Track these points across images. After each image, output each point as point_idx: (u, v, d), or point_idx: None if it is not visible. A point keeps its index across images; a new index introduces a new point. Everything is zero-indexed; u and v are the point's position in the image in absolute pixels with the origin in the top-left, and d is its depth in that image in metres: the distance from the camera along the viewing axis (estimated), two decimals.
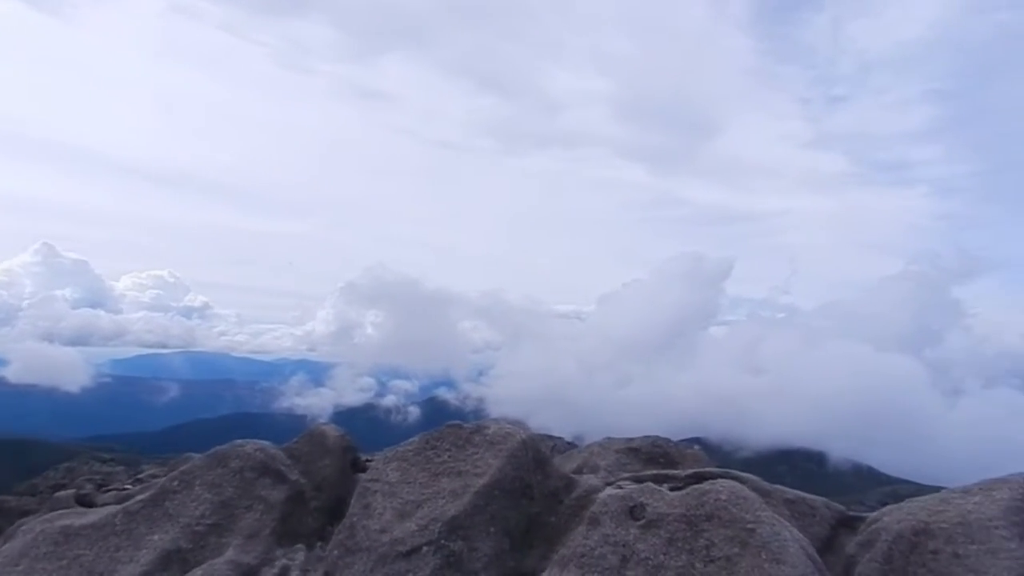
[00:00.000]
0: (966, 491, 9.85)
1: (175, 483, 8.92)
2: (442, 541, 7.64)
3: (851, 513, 10.82)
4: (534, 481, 8.93)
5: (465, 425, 9.18)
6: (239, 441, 9.30)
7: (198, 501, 8.64)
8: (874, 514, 10.52)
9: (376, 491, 8.17)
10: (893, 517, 9.98)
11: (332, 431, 10.54)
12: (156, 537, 8.26)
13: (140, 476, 14.95)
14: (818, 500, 10.96)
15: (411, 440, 8.94)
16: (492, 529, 8.05)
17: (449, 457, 8.96)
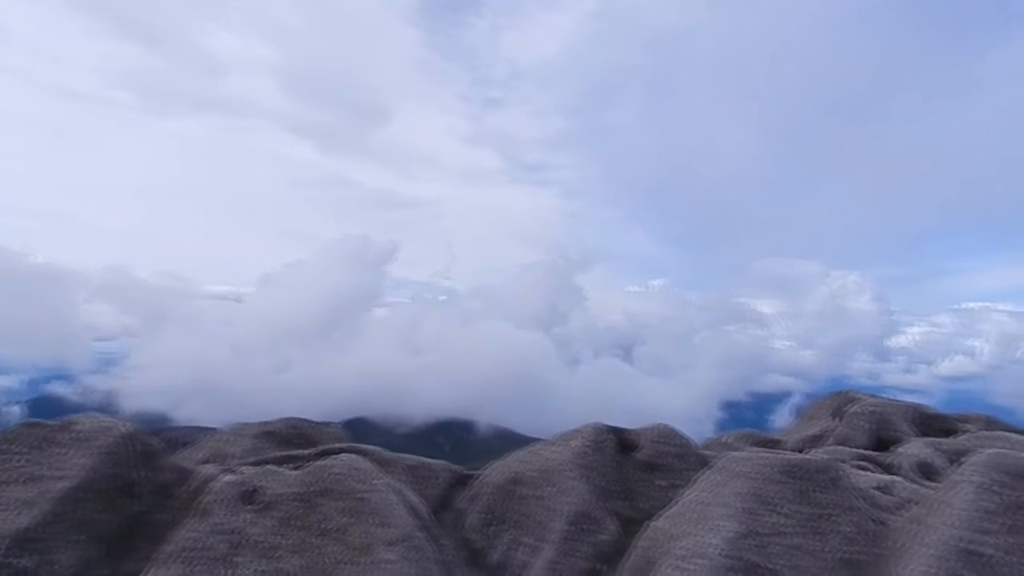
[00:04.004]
0: (551, 442, 11.86)
1: None
2: (8, 559, 6.43)
3: (466, 472, 12.16)
4: (139, 478, 8.06)
5: (47, 423, 7.83)
6: None
7: None
8: (483, 470, 11.99)
9: None
10: (496, 471, 11.51)
11: None
12: None
13: None
14: (438, 464, 12.08)
15: None
16: (78, 537, 7.01)
17: (26, 461, 7.55)
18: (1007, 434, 14.02)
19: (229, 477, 7.81)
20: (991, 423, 16.38)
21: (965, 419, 16.62)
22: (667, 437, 11.50)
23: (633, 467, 11.18)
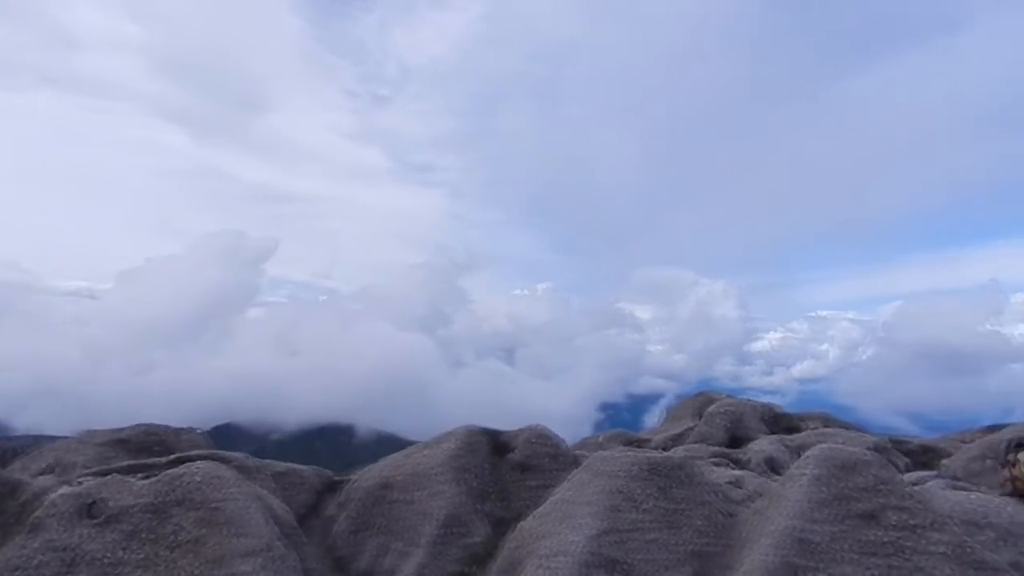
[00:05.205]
0: (426, 445, 11.80)
1: None
2: None
3: (336, 478, 11.85)
4: None
5: None
6: None
7: None
8: (355, 475, 11.73)
9: None
10: (366, 476, 11.30)
11: None
12: None
13: None
14: (308, 470, 11.69)
15: None
16: None
17: None
18: (841, 430, 15.55)
19: (66, 489, 7.17)
20: (829, 420, 18.14)
21: (808, 417, 18.30)
22: (540, 438, 11.76)
23: (507, 468, 11.35)
